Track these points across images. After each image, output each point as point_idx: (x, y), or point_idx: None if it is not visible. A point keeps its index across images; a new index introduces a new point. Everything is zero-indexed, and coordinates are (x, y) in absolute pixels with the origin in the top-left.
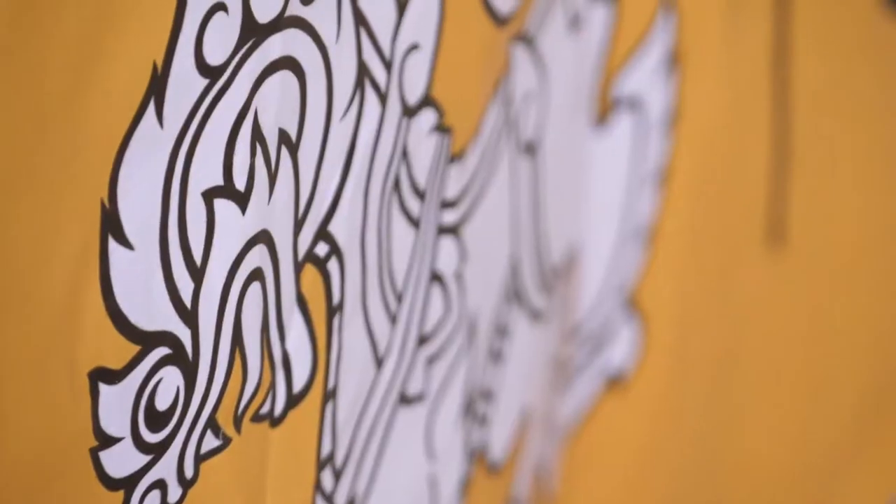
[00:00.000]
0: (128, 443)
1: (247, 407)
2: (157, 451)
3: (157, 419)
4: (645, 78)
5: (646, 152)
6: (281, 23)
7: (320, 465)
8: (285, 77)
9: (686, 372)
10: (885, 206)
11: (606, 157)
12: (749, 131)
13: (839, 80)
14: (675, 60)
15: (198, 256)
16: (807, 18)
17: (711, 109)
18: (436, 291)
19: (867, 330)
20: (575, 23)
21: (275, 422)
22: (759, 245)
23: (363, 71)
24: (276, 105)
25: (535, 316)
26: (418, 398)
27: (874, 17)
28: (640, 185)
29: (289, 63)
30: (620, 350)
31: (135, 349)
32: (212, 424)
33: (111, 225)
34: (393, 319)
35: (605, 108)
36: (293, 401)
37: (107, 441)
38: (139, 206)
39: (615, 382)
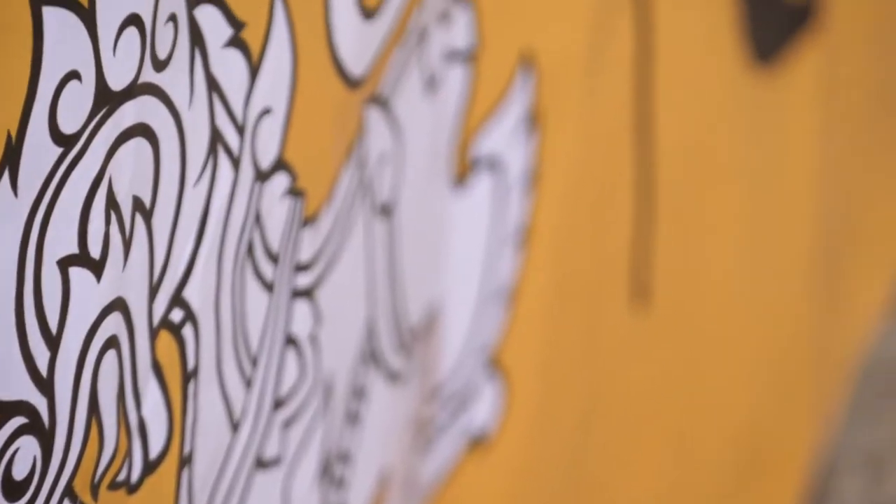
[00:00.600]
0: None
1: (104, 475)
2: None
3: (14, 489)
4: (504, 138)
5: (506, 212)
6: (134, 90)
7: None
8: (139, 144)
9: (549, 431)
10: (747, 261)
11: (466, 217)
12: (611, 189)
13: (702, 137)
14: (534, 120)
15: (53, 325)
16: (669, 76)
17: (572, 168)
18: (291, 355)
19: (734, 386)
20: (431, 84)
21: (131, 489)
22: (623, 302)
23: (216, 136)
24: (131, 172)
25: (393, 377)
26: (275, 462)
27: (737, 74)
28: (501, 245)
29: (142, 130)
30: (483, 410)
31: None
32: (69, 493)
33: None
34: (248, 383)
35: (464, 169)
36: (150, 467)
37: None
38: None
39: (477, 442)
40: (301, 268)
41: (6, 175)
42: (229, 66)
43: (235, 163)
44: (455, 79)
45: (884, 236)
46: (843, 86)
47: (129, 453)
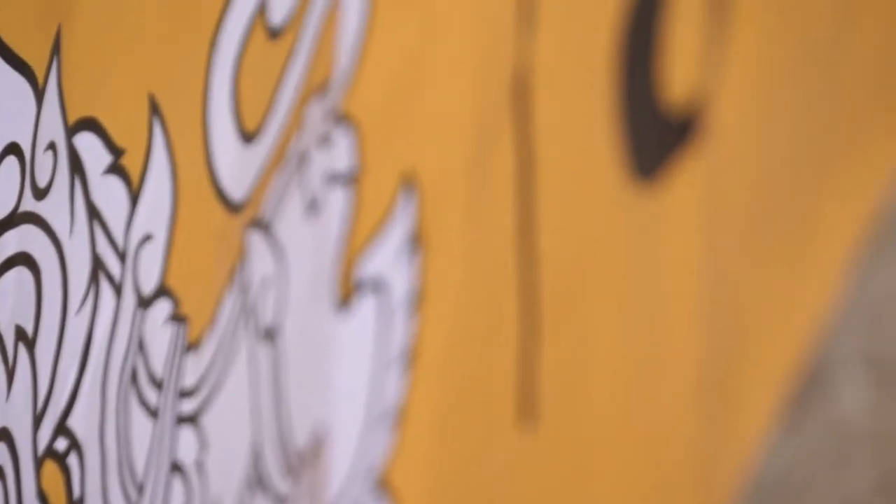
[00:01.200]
0: None
1: None
2: None
3: None
4: (388, 259)
5: (391, 334)
6: (15, 218)
7: None
8: (21, 273)
9: None
10: (633, 378)
11: (351, 340)
12: (496, 308)
13: (586, 253)
14: (417, 240)
15: None
16: (551, 193)
17: (457, 287)
18: (177, 481)
19: (624, 500)
20: (313, 207)
21: None
22: (510, 422)
23: (98, 264)
24: (12, 301)
25: (280, 501)
26: None
27: (619, 189)
28: (387, 366)
29: (24, 259)
30: None
31: None
32: None
33: None
34: None
35: (348, 291)
36: None
37: None
38: None
39: None
40: (185, 393)
41: None
42: (109, 193)
43: (117, 290)
44: (337, 201)
45: (771, 349)
46: (726, 198)
47: None
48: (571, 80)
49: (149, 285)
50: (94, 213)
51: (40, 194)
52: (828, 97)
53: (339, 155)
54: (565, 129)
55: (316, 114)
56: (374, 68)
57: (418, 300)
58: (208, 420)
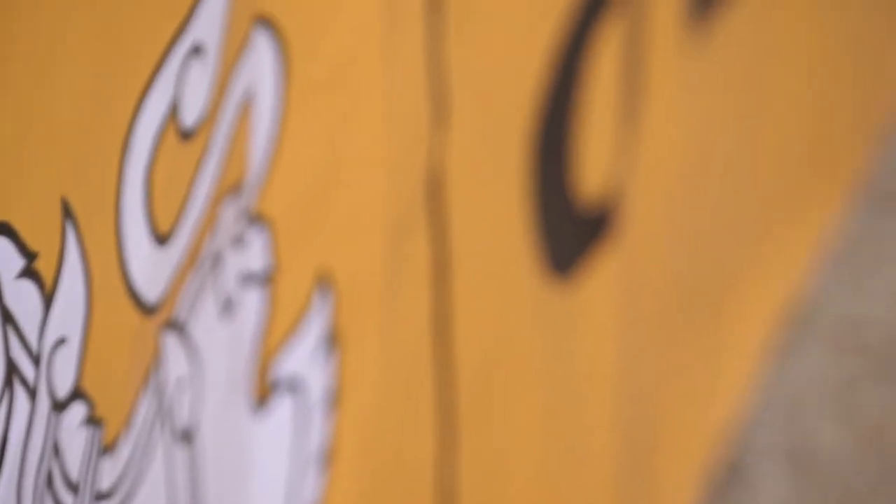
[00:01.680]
0: None
1: None
2: None
3: None
4: (304, 359)
5: (308, 433)
6: None
7: None
8: None
9: None
10: (552, 471)
11: (268, 440)
12: (413, 405)
13: (502, 350)
14: (334, 339)
15: None
16: (466, 290)
17: (374, 386)
18: None
19: None
20: (228, 307)
21: None
22: None
23: (11, 368)
24: None
25: None
26: None
27: (535, 285)
28: (304, 466)
29: None
30: None
31: None
32: None
33: None
34: None
35: (264, 392)
36: None
37: None
38: None
39: None
40: (101, 496)
41: None
42: (23, 297)
43: (32, 393)
44: (252, 301)
45: (690, 441)
46: (641, 292)
47: None
48: (485, 176)
49: (63, 388)
50: (7, 317)
51: None
52: (742, 186)
53: (254, 255)
54: (480, 225)
55: (230, 214)
56: (288, 167)
57: (335, 399)
58: None
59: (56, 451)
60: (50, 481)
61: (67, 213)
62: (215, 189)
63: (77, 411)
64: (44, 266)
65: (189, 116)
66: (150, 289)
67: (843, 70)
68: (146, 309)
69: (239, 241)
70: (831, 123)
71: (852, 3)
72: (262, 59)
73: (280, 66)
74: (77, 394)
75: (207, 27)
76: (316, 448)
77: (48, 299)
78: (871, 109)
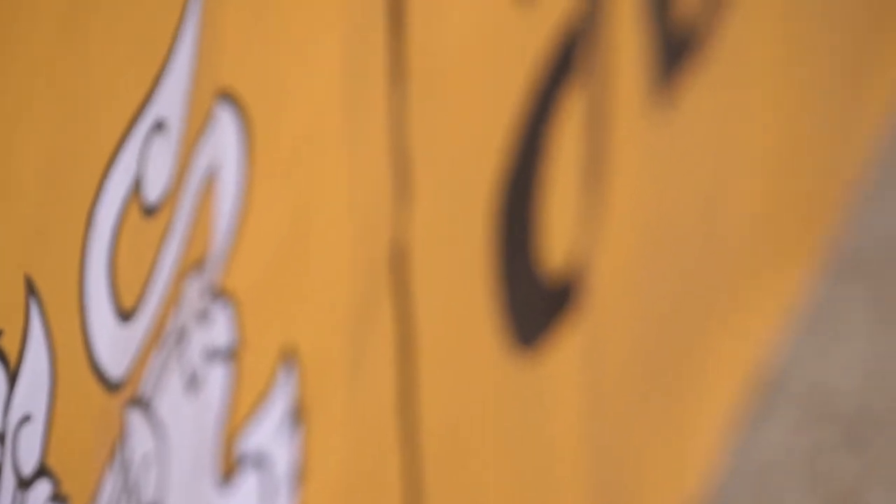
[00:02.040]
0: None
1: None
2: None
3: None
4: (269, 434)
5: None
6: None
7: None
8: None
9: None
10: None
11: None
12: (379, 480)
13: (467, 424)
14: (299, 414)
15: None
16: (431, 363)
17: (339, 461)
18: None
19: None
20: (193, 383)
21: None
22: None
23: None
24: None
25: None
26: None
27: (499, 358)
28: None
29: None
30: None
31: None
32: None
33: None
34: None
35: (230, 467)
36: None
37: None
38: None
39: None
40: None
41: None
42: None
43: None
44: (217, 377)
45: None
46: (606, 364)
47: None
48: (449, 250)
49: (28, 466)
50: None
51: None
52: (708, 254)
53: (219, 330)
54: (444, 299)
55: (194, 290)
56: (252, 243)
57: (301, 474)
58: None
59: None
60: None
61: (31, 289)
62: (179, 265)
63: (42, 489)
64: (8, 343)
65: (152, 192)
66: (115, 365)
67: (808, 137)
68: (111, 385)
69: (203, 317)
70: (797, 189)
71: (817, 67)
72: (225, 135)
73: (243, 141)
74: (42, 471)
75: (170, 103)
76: None
77: (12, 376)
78: (838, 175)
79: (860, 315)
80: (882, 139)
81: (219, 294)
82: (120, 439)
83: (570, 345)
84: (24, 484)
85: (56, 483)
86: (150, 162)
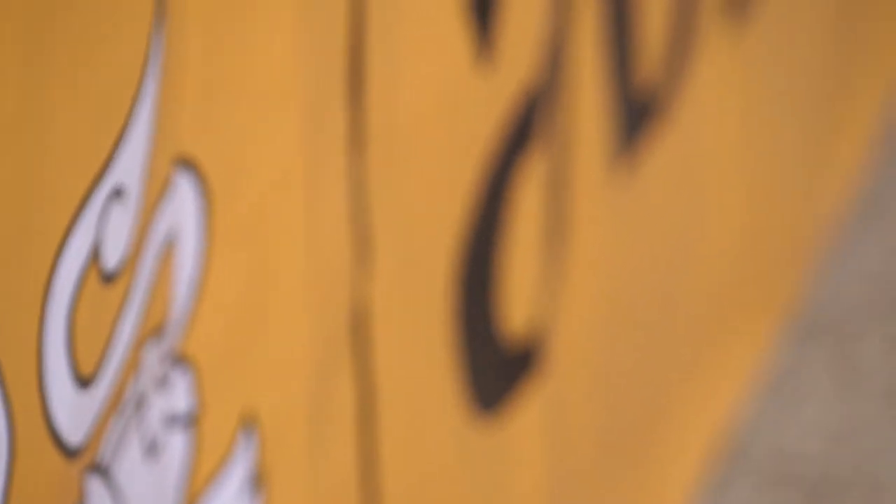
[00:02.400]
0: None
1: None
2: None
3: None
4: (229, 500)
5: None
6: None
7: None
8: None
9: None
10: None
11: None
12: None
13: (428, 487)
14: (259, 480)
15: None
16: (393, 428)
17: None
18: None
19: None
20: (152, 449)
21: None
22: None
23: None
24: None
25: None
26: None
27: (460, 422)
28: None
29: None
30: None
31: None
32: None
33: None
34: None
35: None
36: None
37: None
38: None
39: None
40: None
41: None
42: None
43: None
44: (177, 443)
45: None
46: (567, 429)
47: None
48: (410, 314)
49: None
50: None
51: None
52: (670, 318)
53: (178, 396)
54: (405, 363)
55: (153, 356)
56: (212, 308)
57: None
58: None
59: None
60: None
61: None
62: (138, 331)
63: None
64: None
65: (111, 259)
66: (74, 432)
67: (771, 199)
68: (70, 452)
69: (163, 383)
70: (760, 252)
71: (779, 130)
72: (184, 201)
73: (202, 207)
74: None
75: (129, 170)
76: None
77: None
78: (801, 237)
79: (823, 378)
80: (844, 201)
81: (178, 360)
82: None
83: (531, 409)
84: None
85: None
86: (109, 229)
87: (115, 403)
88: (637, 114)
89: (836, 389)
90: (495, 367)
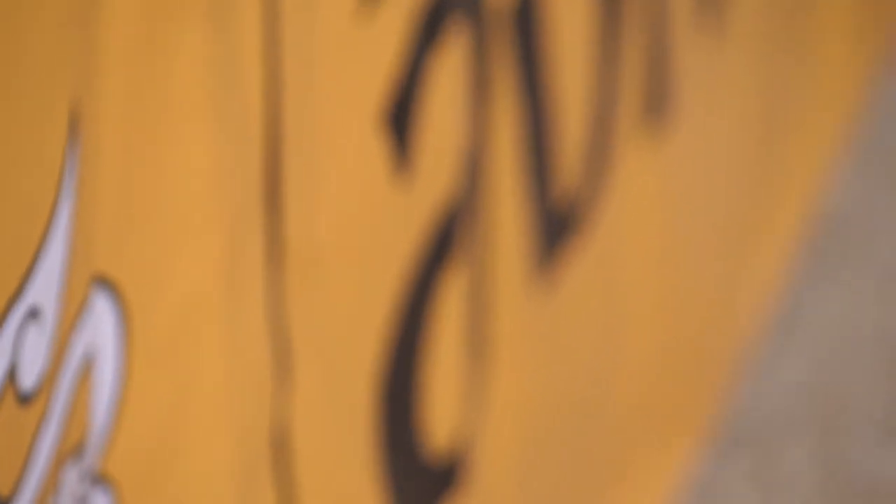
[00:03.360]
0: None
1: None
2: None
3: None
4: None
5: None
6: None
7: None
8: None
9: None
10: None
11: None
12: None
13: None
14: None
15: None
16: None
17: None
18: None
19: None
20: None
21: None
22: None
23: None
24: None
25: None
26: None
27: None
28: None
29: None
30: None
31: None
32: None
33: None
34: None
35: None
36: None
37: None
38: None
39: None
40: None
41: None
42: None
43: None
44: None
45: None
46: None
47: None
48: (332, 429)
49: None
50: None
51: None
52: (591, 432)
53: None
54: (328, 480)
55: (72, 476)
56: (132, 427)
57: None
58: None
59: None
60: None
61: None
62: (57, 450)
63: None
64: None
65: (27, 379)
66: None
67: (691, 312)
68: None
69: (83, 502)
70: (681, 364)
71: (698, 240)
72: (102, 320)
73: (121, 326)
74: None
75: (44, 290)
76: None
77: None
78: (722, 349)
79: (746, 489)
80: (765, 312)
81: (98, 479)
82: None
83: None
84: None
85: None
86: (25, 349)
87: None
88: (556, 225)
89: (759, 501)
90: (419, 483)
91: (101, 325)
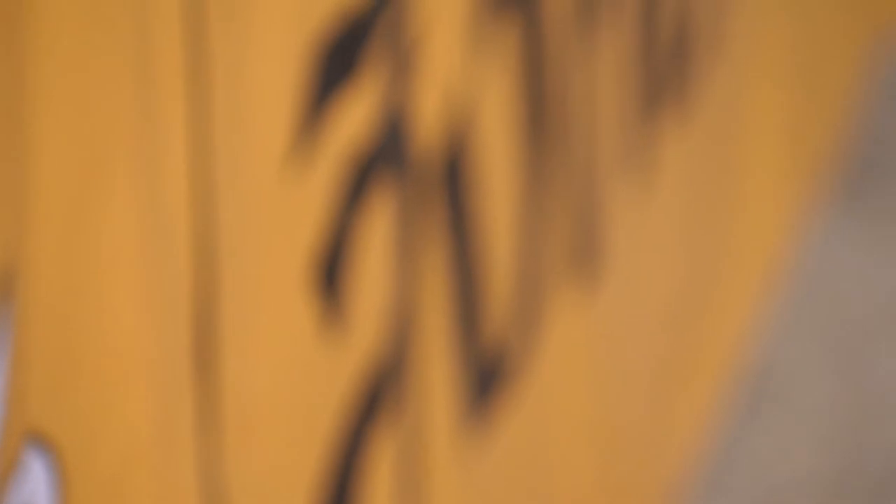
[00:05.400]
0: None
1: None
2: None
3: None
4: None
5: None
6: None
7: None
8: None
9: None
10: None
11: None
12: None
13: None
14: None
15: None
16: None
17: None
18: None
19: None
20: None
21: None
22: None
23: None
24: None
25: None
26: None
27: None
28: None
29: None
30: None
31: None
32: None
33: None
34: None
35: None
36: None
37: None
38: None
39: None
40: None
41: None
42: None
43: None
44: None
45: None
46: None
47: None
48: None
49: None
50: None
51: None
52: None
53: None
54: None
55: None
56: None
57: None
58: None
59: None
60: None
61: None
62: None
63: None
64: None
65: None
66: None
67: (621, 462)
68: None
69: None
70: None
71: (629, 389)
72: (36, 478)
73: (55, 484)
74: None
75: None
76: None
77: None
78: (653, 496)
79: None
80: (696, 461)
81: None
82: None
83: None
84: None
85: None
86: None
87: None
88: (487, 379)
89: None
90: None
91: (35, 483)
